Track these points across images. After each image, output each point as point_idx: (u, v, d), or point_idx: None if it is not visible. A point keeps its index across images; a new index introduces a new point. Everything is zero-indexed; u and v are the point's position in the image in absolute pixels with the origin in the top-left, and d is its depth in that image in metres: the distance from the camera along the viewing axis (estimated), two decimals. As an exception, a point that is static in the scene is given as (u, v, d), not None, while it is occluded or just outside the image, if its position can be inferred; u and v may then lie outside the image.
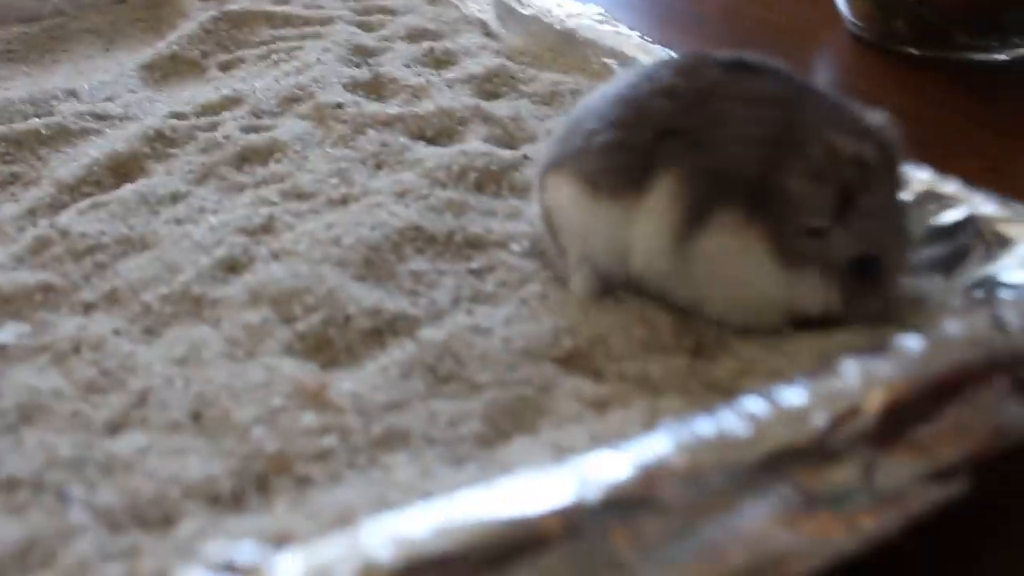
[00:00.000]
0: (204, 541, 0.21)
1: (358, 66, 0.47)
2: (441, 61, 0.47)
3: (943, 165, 0.43)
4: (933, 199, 0.31)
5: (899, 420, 0.22)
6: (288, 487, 0.23)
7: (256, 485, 0.23)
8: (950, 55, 0.52)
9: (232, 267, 0.31)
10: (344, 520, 0.21)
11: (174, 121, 0.41)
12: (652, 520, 0.19)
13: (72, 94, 0.46)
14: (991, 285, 0.27)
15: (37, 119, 0.43)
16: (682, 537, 0.19)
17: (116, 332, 0.29)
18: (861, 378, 0.22)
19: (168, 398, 0.26)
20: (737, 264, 0.27)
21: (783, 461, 0.20)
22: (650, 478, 0.19)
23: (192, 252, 0.32)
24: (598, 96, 0.30)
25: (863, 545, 0.21)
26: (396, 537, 0.18)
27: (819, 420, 0.21)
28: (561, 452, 0.23)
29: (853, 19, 0.56)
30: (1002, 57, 0.52)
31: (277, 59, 0.49)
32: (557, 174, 0.29)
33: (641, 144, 0.27)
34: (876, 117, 0.28)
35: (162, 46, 0.51)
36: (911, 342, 0.23)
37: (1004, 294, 0.25)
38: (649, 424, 0.24)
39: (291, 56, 0.49)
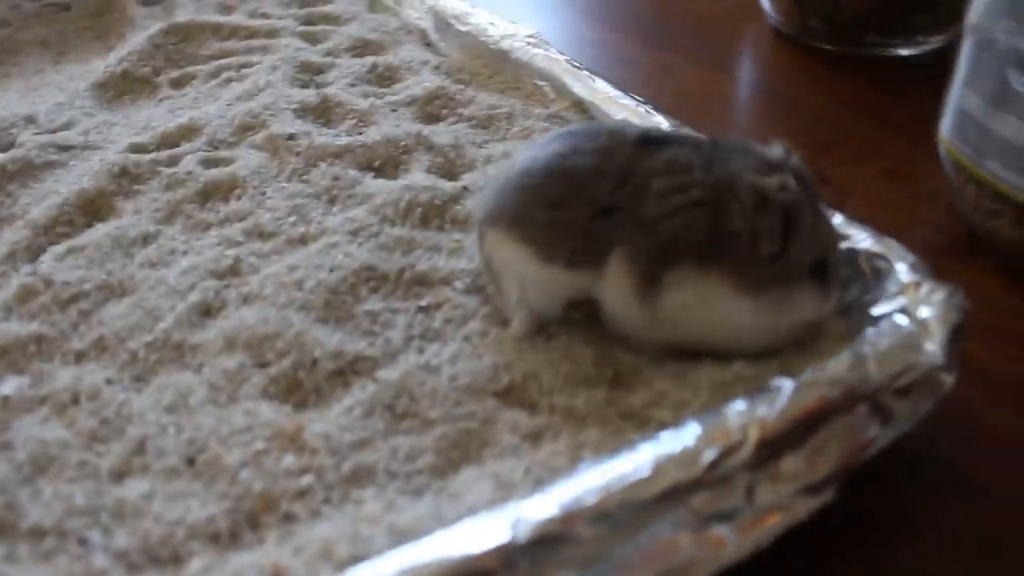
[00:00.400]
0: (210, 578, 0.26)
1: (305, 86, 0.50)
2: (384, 78, 0.51)
3: (848, 168, 0.48)
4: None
5: (772, 451, 0.27)
6: (276, 524, 0.27)
7: (249, 523, 0.27)
8: (861, 51, 0.57)
9: (207, 311, 0.35)
10: (326, 553, 0.26)
11: (136, 156, 0.44)
12: (572, 550, 0.24)
13: (31, 120, 0.49)
14: (862, 317, 0.32)
15: (2, 153, 0.45)
16: (599, 560, 0.24)
17: (109, 381, 0.32)
18: (741, 419, 0.27)
19: (163, 445, 0.30)
20: (704, 309, 0.31)
21: (678, 494, 0.25)
22: (569, 517, 0.24)
23: (168, 297, 0.36)
24: (530, 160, 0.33)
25: (750, 550, 0.26)
26: (370, 579, 0.23)
27: (707, 456, 0.26)
28: (501, 483, 0.28)
29: (774, 14, 0.60)
30: (906, 52, 0.57)
31: (228, 77, 0.52)
32: (499, 232, 0.33)
33: (579, 222, 0.31)
34: (776, 150, 0.33)
35: (112, 62, 0.54)
36: (785, 383, 0.28)
37: (868, 330, 0.30)
38: (574, 456, 0.28)
39: (240, 74, 0.52)
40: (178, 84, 0.53)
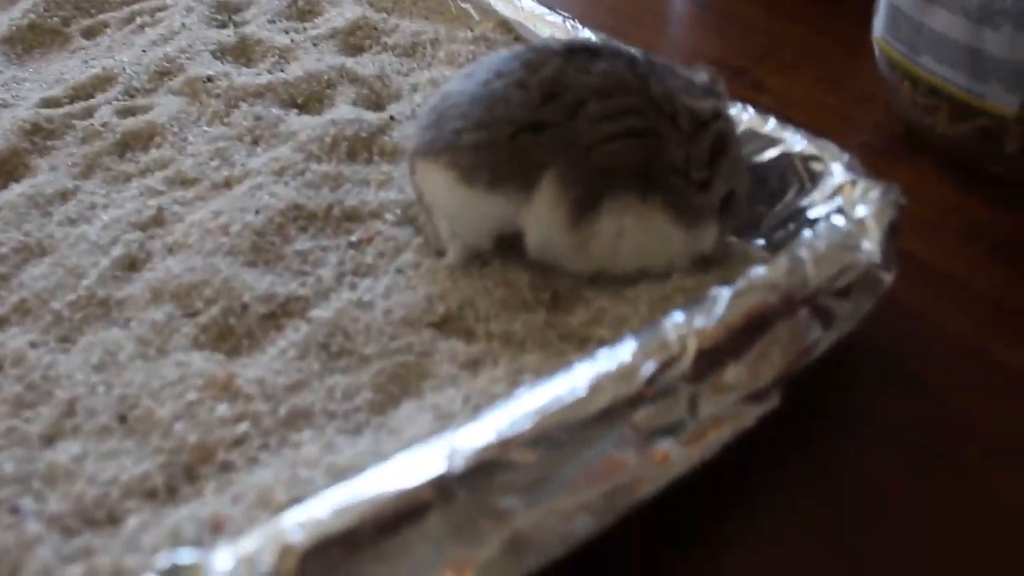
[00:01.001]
0: (149, 533, 0.25)
1: (223, 26, 0.48)
2: (304, 12, 0.49)
3: (785, 75, 0.47)
4: (754, 138, 0.35)
5: (713, 361, 0.26)
6: (213, 474, 0.27)
7: (185, 476, 0.27)
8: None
9: (131, 264, 0.34)
10: (264, 499, 0.25)
11: (49, 111, 0.42)
12: (512, 475, 0.23)
13: (-66, 81, 0.46)
14: (800, 220, 0.32)
15: (-91, 118, 0.43)
16: (542, 483, 0.24)
17: (33, 344, 0.31)
18: (678, 330, 0.26)
19: (94, 404, 0.29)
20: (641, 237, 0.30)
21: (617, 411, 0.25)
22: (505, 443, 0.23)
23: (91, 253, 0.34)
24: (458, 88, 0.32)
25: (697, 462, 0.26)
26: (305, 521, 0.22)
27: (646, 371, 0.25)
28: (440, 414, 0.27)
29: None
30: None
31: (142, 22, 0.49)
32: (429, 163, 0.31)
33: (507, 140, 0.30)
34: (702, 75, 0.32)
35: (17, 15, 0.51)
36: (723, 291, 0.27)
37: (804, 233, 0.30)
38: (513, 381, 0.28)
39: (155, 19, 0.49)
40: (90, 33, 0.50)
